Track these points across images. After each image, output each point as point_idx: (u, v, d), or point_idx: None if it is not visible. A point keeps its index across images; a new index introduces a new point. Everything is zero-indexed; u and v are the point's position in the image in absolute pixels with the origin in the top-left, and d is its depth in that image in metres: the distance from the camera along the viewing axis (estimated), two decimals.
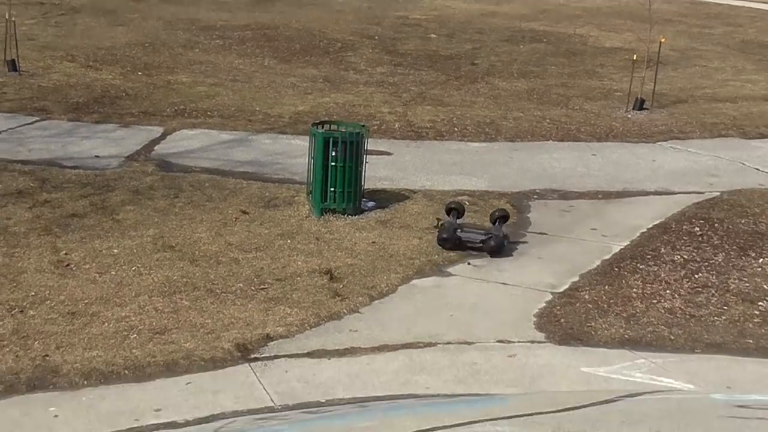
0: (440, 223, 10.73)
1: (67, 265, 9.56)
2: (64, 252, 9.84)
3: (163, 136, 13.97)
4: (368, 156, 11.77)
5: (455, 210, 10.83)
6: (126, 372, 7.66)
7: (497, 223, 10.69)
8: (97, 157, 12.83)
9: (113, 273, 9.45)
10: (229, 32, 22.14)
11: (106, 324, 8.41)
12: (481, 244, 10.45)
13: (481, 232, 10.60)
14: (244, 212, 11.19)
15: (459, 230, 10.52)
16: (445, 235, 10.45)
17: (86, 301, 8.80)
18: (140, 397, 7.29)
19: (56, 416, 7.00)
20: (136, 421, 6.90)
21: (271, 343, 8.27)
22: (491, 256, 10.40)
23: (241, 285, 9.35)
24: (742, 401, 4.80)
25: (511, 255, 10.54)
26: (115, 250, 9.96)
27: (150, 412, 7.07)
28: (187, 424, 6.74)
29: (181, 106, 15.59)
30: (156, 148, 13.44)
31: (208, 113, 15.30)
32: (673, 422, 3.76)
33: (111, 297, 8.93)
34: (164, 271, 9.55)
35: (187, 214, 11.05)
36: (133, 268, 9.57)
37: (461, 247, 10.48)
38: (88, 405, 7.16)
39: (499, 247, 10.43)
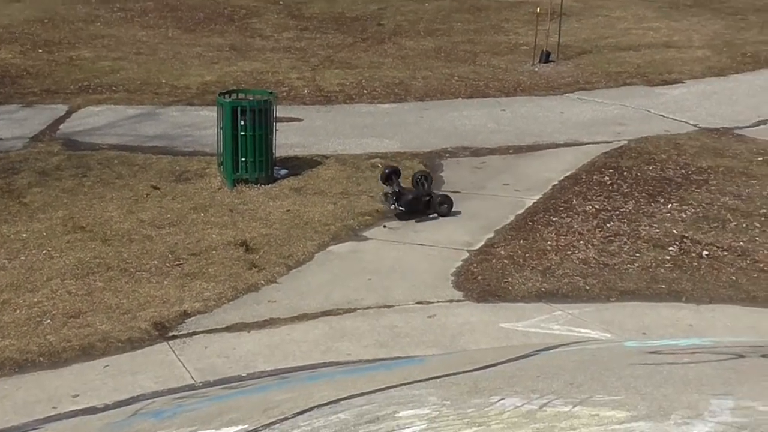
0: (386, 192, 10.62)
1: None
2: None
3: (68, 114, 13.66)
4: (278, 123, 11.67)
5: (393, 173, 10.67)
6: (41, 359, 7.52)
7: (419, 183, 10.71)
8: (0, 139, 12.50)
9: (23, 258, 9.25)
10: (130, 3, 21.66)
11: (18, 311, 8.23)
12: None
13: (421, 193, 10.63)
14: (155, 187, 11.02)
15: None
16: (407, 192, 10.40)
17: None
18: (57, 384, 7.17)
19: None
20: (54, 409, 6.78)
21: (189, 319, 8.19)
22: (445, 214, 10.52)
23: (155, 262, 9.22)
24: (654, 347, 4.91)
25: (427, 215, 10.58)
26: (24, 234, 9.74)
27: (68, 398, 6.95)
28: (107, 408, 6.64)
29: (85, 82, 15.25)
30: (61, 127, 13.14)
31: (114, 88, 15.00)
32: (587, 373, 3.81)
33: (22, 283, 8.74)
34: (76, 252, 9.37)
35: (97, 193, 10.84)
36: (44, 252, 9.37)
37: (420, 210, 10.46)
38: (3, 395, 7.01)
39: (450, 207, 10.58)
